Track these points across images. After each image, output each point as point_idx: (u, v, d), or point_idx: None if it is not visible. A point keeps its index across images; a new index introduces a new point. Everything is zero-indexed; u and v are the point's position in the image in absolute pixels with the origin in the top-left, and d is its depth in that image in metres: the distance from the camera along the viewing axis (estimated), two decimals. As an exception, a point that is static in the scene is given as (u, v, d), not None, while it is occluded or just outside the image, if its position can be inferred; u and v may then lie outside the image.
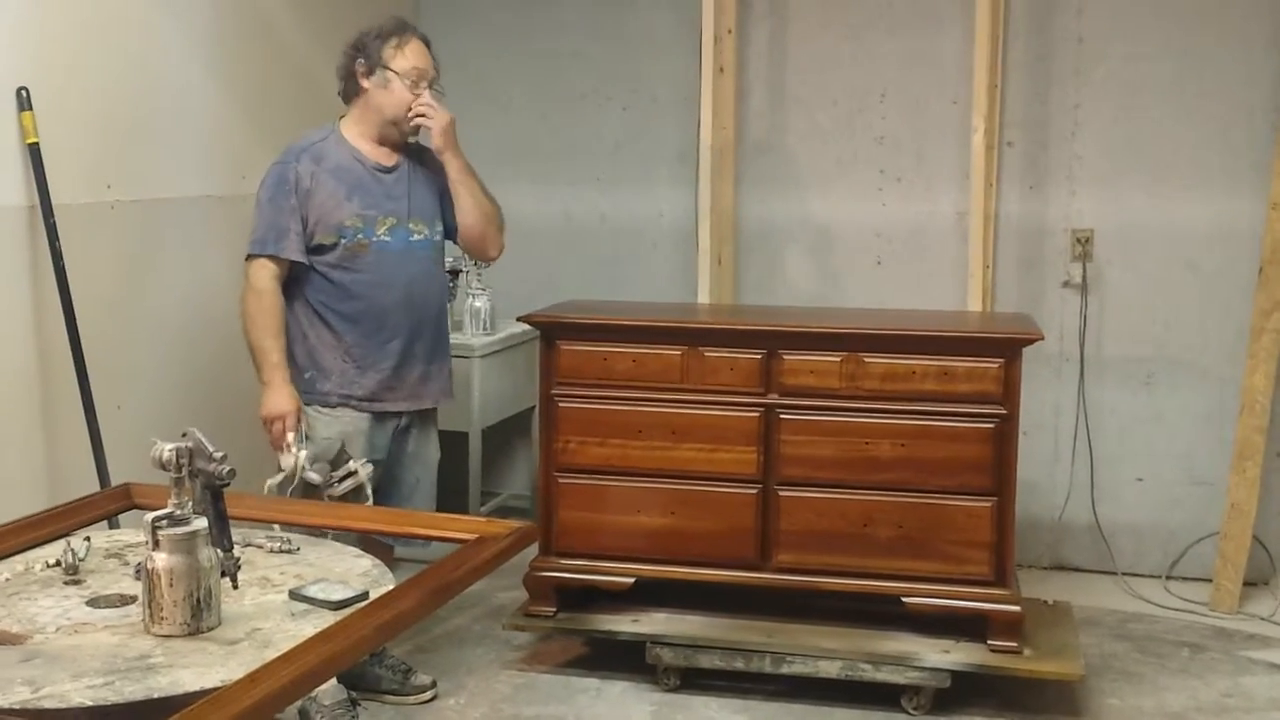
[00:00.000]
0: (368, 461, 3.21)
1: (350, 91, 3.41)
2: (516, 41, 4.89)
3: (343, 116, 3.45)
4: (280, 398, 3.24)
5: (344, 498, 3.11)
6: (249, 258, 3.30)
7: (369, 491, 3.14)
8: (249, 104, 4.01)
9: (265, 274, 3.27)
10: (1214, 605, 4.19)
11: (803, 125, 4.66)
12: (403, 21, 3.43)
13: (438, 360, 3.51)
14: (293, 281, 3.34)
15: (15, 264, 3.17)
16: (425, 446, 3.55)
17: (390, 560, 3.46)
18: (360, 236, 3.32)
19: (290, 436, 3.17)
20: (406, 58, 3.35)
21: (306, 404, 3.32)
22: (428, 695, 3.51)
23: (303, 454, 3.09)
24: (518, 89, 4.91)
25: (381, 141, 3.41)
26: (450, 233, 3.54)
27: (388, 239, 3.36)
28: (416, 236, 3.42)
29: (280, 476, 3.09)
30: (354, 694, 3.32)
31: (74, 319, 3.22)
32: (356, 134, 3.40)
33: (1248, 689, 3.60)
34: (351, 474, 3.12)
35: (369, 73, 3.36)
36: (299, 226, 3.29)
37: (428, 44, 3.42)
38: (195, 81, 3.78)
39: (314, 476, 3.09)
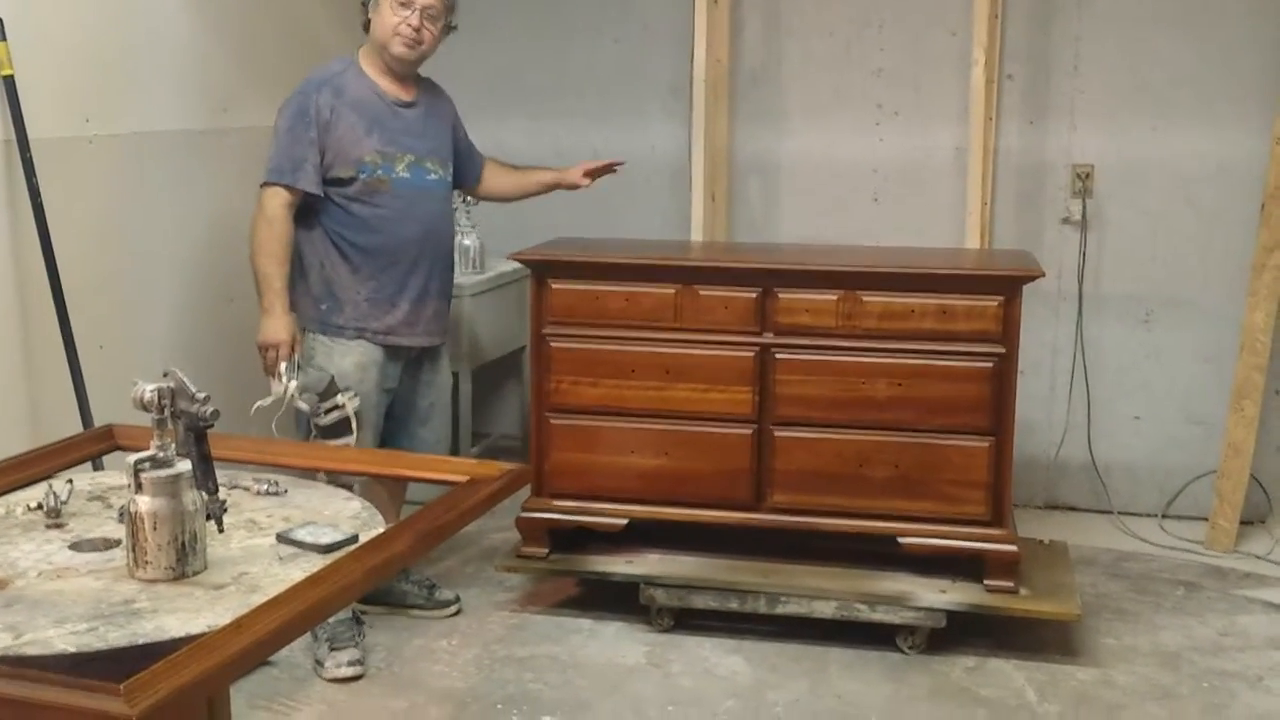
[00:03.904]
0: (355, 395, 3.29)
1: (365, 22, 3.42)
2: (506, -29, 4.79)
3: (362, 46, 3.45)
4: (278, 325, 3.28)
5: (331, 428, 3.24)
6: (264, 184, 3.30)
7: (355, 425, 3.24)
8: (230, 36, 3.91)
9: (278, 202, 3.28)
10: (1210, 544, 4.19)
11: (798, 57, 4.57)
12: None
13: (447, 298, 3.58)
14: (310, 210, 3.35)
15: (-9, 200, 3.09)
16: (436, 374, 3.62)
17: (403, 495, 3.55)
18: (379, 173, 3.35)
19: (283, 365, 3.24)
20: None
21: (322, 334, 3.38)
22: (452, 609, 3.63)
23: (292, 384, 3.20)
24: (507, 19, 4.80)
25: (392, 73, 3.41)
26: (460, 179, 3.61)
27: (406, 175, 3.40)
28: (433, 175, 3.47)
29: (269, 400, 3.21)
30: (360, 612, 3.35)
31: (53, 256, 3.15)
32: (371, 66, 3.41)
33: (1243, 627, 3.60)
34: (338, 406, 3.24)
35: None
36: (316, 159, 3.30)
37: None
38: (175, 12, 3.69)
39: (302, 405, 3.23)
